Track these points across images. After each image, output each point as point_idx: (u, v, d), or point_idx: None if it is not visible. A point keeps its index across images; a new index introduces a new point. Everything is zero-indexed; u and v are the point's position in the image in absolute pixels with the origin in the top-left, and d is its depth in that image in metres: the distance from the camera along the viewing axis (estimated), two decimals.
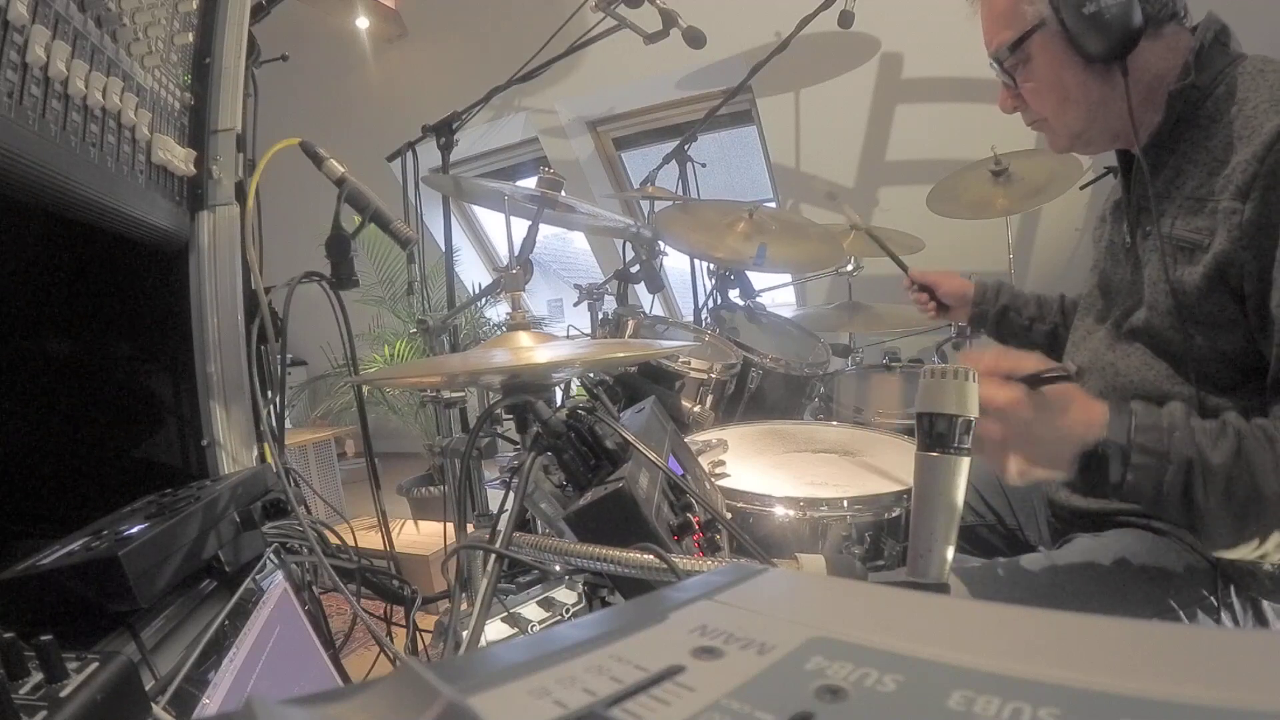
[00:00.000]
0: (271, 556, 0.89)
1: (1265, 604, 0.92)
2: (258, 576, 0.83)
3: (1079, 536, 1.03)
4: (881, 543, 1.14)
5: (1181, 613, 0.90)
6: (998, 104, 1.05)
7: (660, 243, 2.13)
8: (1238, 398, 0.86)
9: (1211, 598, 0.91)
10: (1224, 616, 0.91)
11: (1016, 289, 1.43)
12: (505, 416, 0.97)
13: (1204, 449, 0.76)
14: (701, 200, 2.59)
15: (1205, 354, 0.88)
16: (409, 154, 2.23)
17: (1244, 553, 0.82)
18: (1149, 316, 0.93)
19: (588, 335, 2.10)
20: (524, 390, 0.79)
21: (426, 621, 1.46)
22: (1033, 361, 0.96)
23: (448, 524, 1.90)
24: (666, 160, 2.60)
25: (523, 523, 0.74)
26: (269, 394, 1.14)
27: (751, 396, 1.86)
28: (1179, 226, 0.89)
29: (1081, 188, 2.20)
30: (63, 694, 0.44)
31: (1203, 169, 0.88)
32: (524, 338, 0.93)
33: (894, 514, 1.12)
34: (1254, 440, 0.76)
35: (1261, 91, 0.85)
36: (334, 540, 1.15)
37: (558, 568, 0.97)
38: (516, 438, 1.03)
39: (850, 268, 2.48)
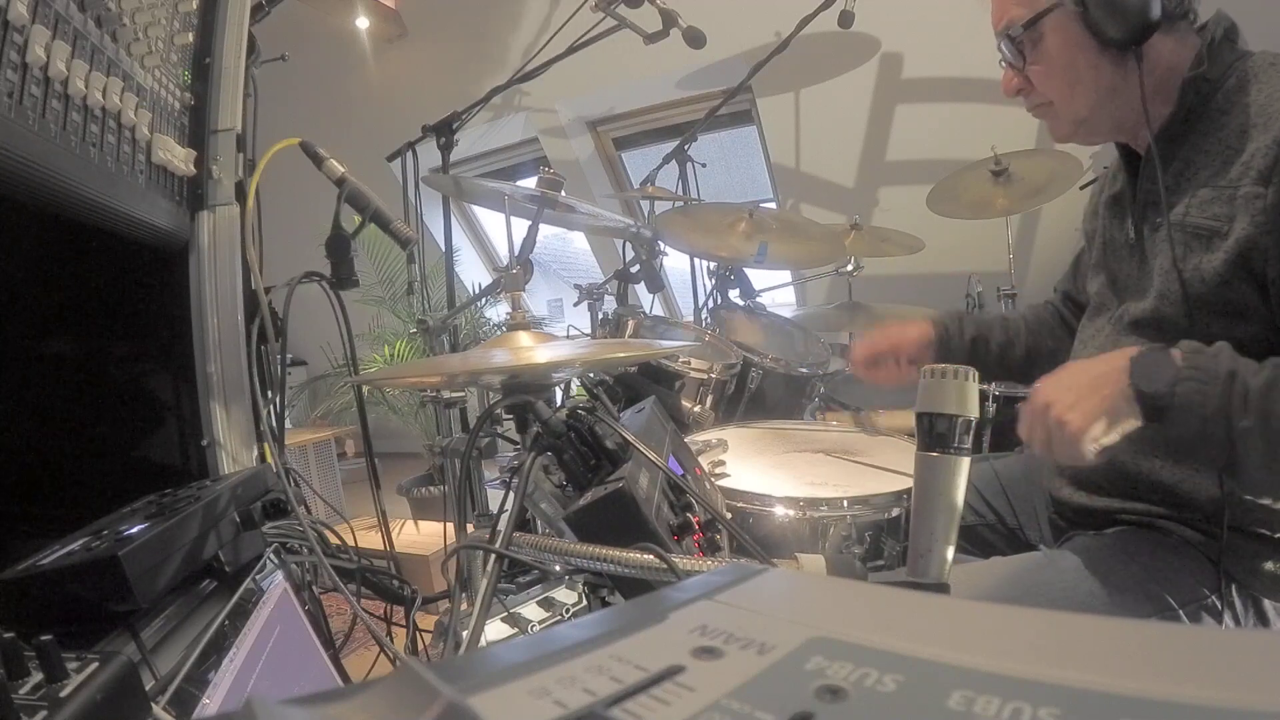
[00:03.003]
0: (271, 556, 0.89)
1: (1266, 603, 0.92)
2: (258, 576, 0.83)
3: (1080, 535, 1.03)
4: (881, 543, 1.14)
5: (1182, 612, 0.90)
6: (1001, 85, 1.03)
7: (660, 243, 2.13)
8: None
9: (1213, 597, 0.91)
10: (1225, 615, 0.91)
11: (976, 315, 1.31)
12: (505, 416, 0.97)
13: (1244, 370, 0.77)
14: (702, 202, 2.60)
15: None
16: (409, 154, 2.23)
17: (1277, 497, 0.85)
18: (1158, 306, 0.93)
19: (588, 335, 2.10)
20: (524, 390, 0.79)
21: (426, 621, 1.46)
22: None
23: (448, 524, 1.90)
24: (666, 160, 2.60)
25: (523, 523, 0.74)
26: (269, 394, 1.13)
27: (751, 396, 1.86)
28: (1194, 215, 0.89)
29: (1081, 188, 2.21)
30: (63, 694, 0.44)
31: (1216, 158, 0.89)
32: (524, 338, 0.93)
33: (894, 514, 1.12)
34: None
35: (1275, 81, 0.86)
36: (334, 540, 1.15)
37: (558, 568, 0.97)
38: (516, 438, 1.03)
39: (850, 267, 2.48)
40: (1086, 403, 0.81)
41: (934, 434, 0.71)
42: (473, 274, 4.60)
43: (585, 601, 1.12)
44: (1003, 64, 1.02)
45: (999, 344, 1.27)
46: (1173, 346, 0.80)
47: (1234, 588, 0.91)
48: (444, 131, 2.15)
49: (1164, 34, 0.90)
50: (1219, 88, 0.90)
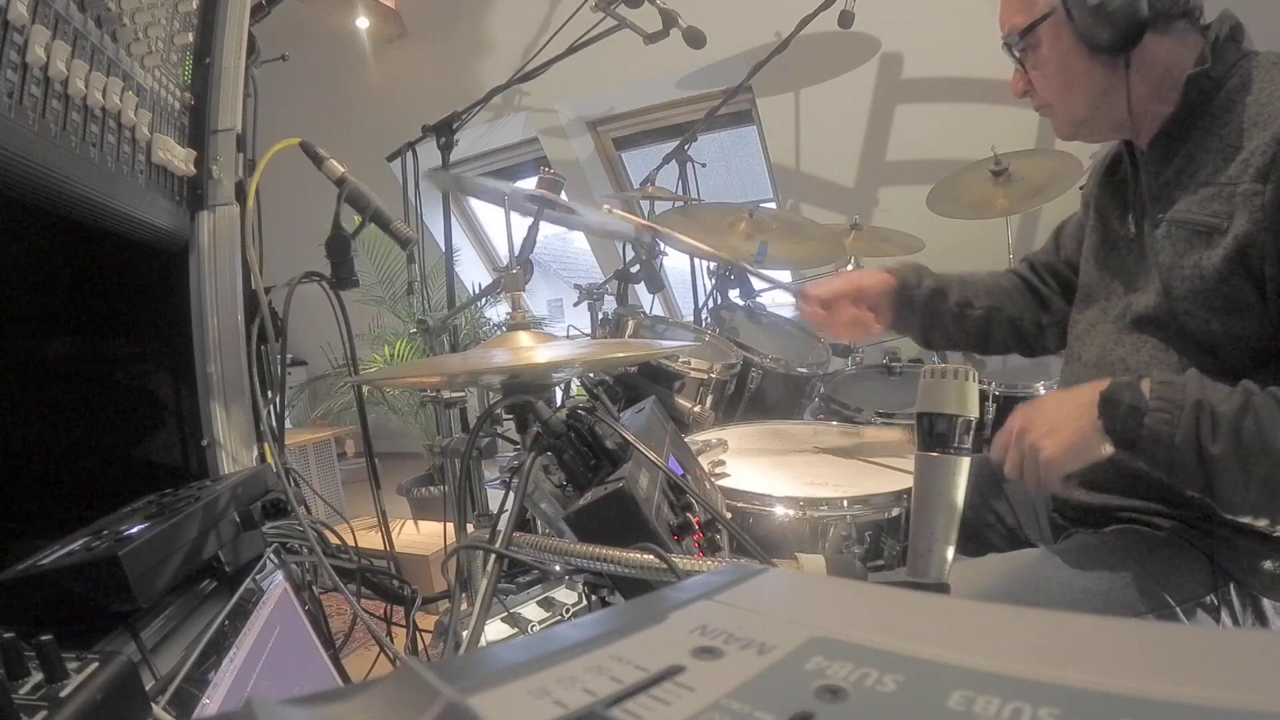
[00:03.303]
0: (271, 556, 0.89)
1: (1265, 602, 0.92)
2: (258, 576, 0.83)
3: (1079, 533, 1.03)
4: (881, 543, 1.14)
5: (1179, 609, 0.90)
6: (1010, 86, 1.07)
7: (660, 243, 2.13)
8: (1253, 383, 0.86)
9: (1210, 595, 0.91)
10: (1223, 614, 0.91)
11: (935, 273, 1.29)
12: (505, 416, 0.97)
13: (1213, 398, 0.78)
14: (702, 202, 2.60)
15: (1221, 339, 0.89)
16: (409, 154, 2.23)
17: (1257, 515, 0.86)
18: (1160, 303, 0.94)
19: (588, 335, 2.10)
20: (524, 390, 0.79)
21: (426, 621, 1.46)
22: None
23: (448, 524, 1.90)
24: (666, 160, 2.60)
25: (523, 523, 0.74)
26: (269, 394, 1.13)
27: (751, 396, 1.86)
28: (1194, 211, 0.90)
29: (1081, 187, 2.20)
30: (63, 694, 0.44)
31: (1217, 156, 0.89)
32: (524, 338, 0.93)
33: (894, 514, 1.12)
34: (1263, 398, 0.78)
35: (1276, 80, 0.87)
36: (334, 540, 1.15)
37: (558, 568, 0.97)
38: (516, 438, 1.03)
39: (850, 267, 2.48)
40: (1061, 432, 0.85)
41: (934, 434, 0.72)
42: (473, 274, 4.60)
43: (585, 601, 1.12)
44: (1004, 77, 1.06)
45: (957, 301, 1.27)
46: (1144, 377, 0.83)
47: (1232, 586, 0.91)
48: (444, 131, 2.15)
49: (1160, 34, 0.91)
50: (1222, 86, 0.91)
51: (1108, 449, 0.83)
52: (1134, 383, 0.82)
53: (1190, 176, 0.92)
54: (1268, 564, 0.90)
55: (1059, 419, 0.86)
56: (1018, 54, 1.01)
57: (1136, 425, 0.80)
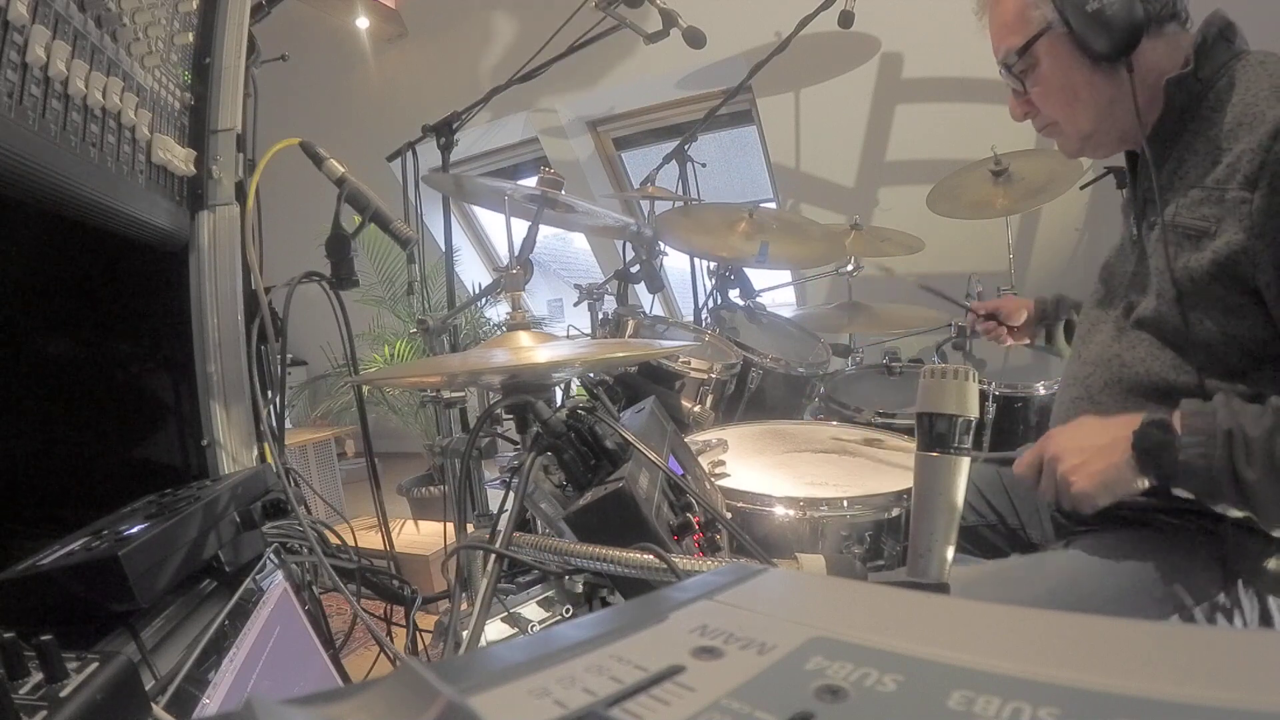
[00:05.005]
0: (271, 556, 0.89)
1: (1271, 601, 0.92)
2: (258, 576, 0.83)
3: (1085, 535, 1.03)
4: (881, 543, 1.14)
5: (1196, 610, 0.90)
6: (1009, 112, 1.08)
7: (660, 242, 2.13)
8: (1249, 384, 0.87)
9: (1221, 594, 0.91)
10: (1235, 617, 0.91)
11: (1074, 299, 1.43)
12: (505, 416, 0.97)
13: (1244, 423, 0.78)
14: (702, 202, 2.60)
15: (1215, 339, 0.89)
16: (409, 154, 2.23)
17: None
18: (1157, 305, 0.94)
19: (588, 335, 2.10)
20: (524, 390, 0.79)
21: (426, 621, 1.46)
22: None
23: (448, 524, 1.90)
24: (666, 160, 2.60)
25: (523, 523, 0.74)
26: (269, 394, 1.13)
27: (751, 396, 1.86)
28: (1184, 214, 0.90)
29: (1081, 188, 2.20)
30: (63, 694, 0.44)
31: (1206, 158, 0.90)
32: (524, 338, 0.93)
33: (894, 514, 1.12)
34: None
35: (1262, 81, 0.87)
36: (334, 540, 1.15)
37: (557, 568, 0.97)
38: (516, 438, 1.03)
39: (850, 268, 2.48)
40: (1092, 466, 0.86)
41: (934, 434, 0.71)
42: (473, 274, 4.61)
43: (585, 601, 1.12)
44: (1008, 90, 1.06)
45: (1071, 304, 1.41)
46: (1174, 409, 0.83)
47: (1239, 583, 0.91)
48: (444, 131, 2.15)
49: (1153, 39, 0.92)
50: (1211, 87, 0.91)
51: (1143, 483, 0.84)
52: (1164, 419, 0.83)
53: (1181, 179, 0.93)
54: (1272, 563, 0.90)
55: (1091, 452, 0.87)
56: (1017, 75, 1.01)
57: (1171, 460, 0.81)
